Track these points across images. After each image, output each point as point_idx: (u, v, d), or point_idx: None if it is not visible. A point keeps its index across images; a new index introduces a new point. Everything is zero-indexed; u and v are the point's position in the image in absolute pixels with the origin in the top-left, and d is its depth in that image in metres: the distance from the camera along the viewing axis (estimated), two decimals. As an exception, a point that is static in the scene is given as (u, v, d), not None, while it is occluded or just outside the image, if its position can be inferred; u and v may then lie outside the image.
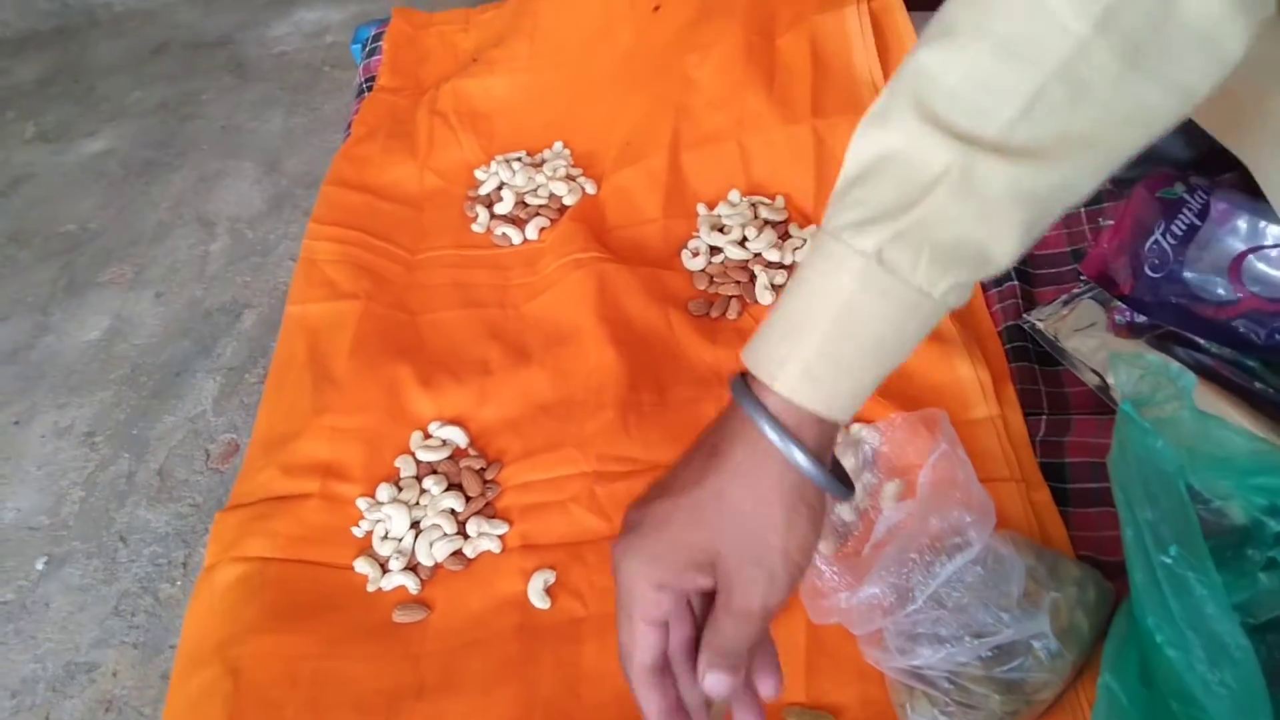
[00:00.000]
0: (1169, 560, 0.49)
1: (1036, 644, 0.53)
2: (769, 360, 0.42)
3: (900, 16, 0.92)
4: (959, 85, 0.40)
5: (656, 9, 1.05)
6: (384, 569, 0.73)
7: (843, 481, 0.43)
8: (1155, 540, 0.50)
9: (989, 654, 0.53)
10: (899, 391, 0.73)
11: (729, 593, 0.42)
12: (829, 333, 0.41)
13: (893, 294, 0.40)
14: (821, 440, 0.42)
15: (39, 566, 1.34)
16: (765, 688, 0.44)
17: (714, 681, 0.42)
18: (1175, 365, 0.54)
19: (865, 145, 0.42)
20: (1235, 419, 0.65)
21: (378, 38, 1.25)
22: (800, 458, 0.41)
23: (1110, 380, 0.70)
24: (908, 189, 0.40)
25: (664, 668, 0.44)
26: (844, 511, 0.66)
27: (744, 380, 0.43)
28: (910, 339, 0.42)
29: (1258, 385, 0.66)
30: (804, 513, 0.42)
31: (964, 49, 0.40)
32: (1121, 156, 0.41)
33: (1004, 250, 0.41)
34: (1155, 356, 0.67)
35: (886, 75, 0.92)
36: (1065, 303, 0.76)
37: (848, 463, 0.70)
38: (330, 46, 2.27)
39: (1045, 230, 0.42)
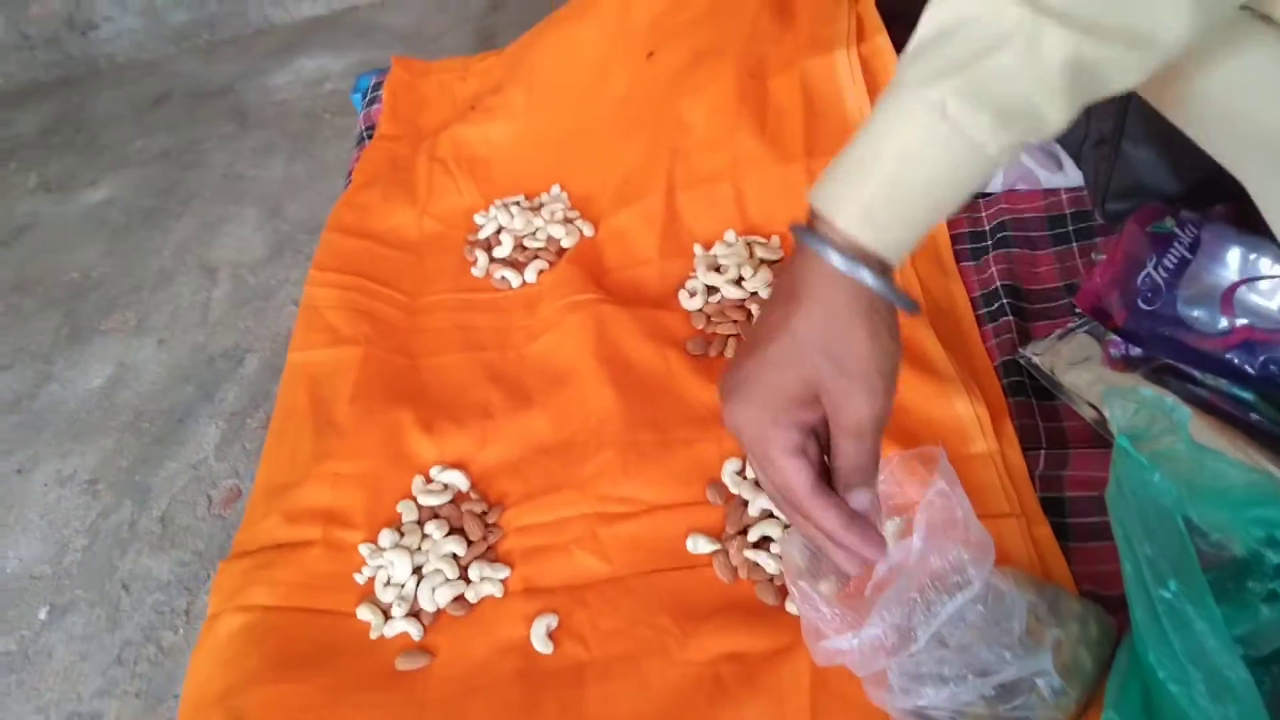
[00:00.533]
0: (1168, 595, 0.49)
1: (1040, 681, 0.53)
2: (833, 199, 0.46)
3: (889, 60, 0.93)
4: None
5: (650, 55, 1.07)
6: (386, 616, 0.73)
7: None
8: (1154, 575, 0.50)
9: (993, 693, 0.53)
10: (897, 428, 0.73)
11: (838, 415, 0.46)
12: (888, 177, 0.44)
13: (952, 144, 0.44)
14: (884, 272, 0.46)
15: (41, 616, 1.33)
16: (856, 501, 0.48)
17: (858, 498, 0.47)
18: (1170, 399, 0.55)
19: (941, 7, 0.45)
20: (1232, 452, 0.65)
21: (378, 86, 1.26)
22: (869, 277, 0.45)
23: (1107, 414, 0.71)
24: (976, 46, 0.43)
25: (825, 487, 0.48)
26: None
27: (807, 224, 0.47)
28: (962, 192, 0.46)
29: (1254, 417, 0.67)
30: (882, 327, 0.46)
31: None
32: (1162, 55, 0.45)
33: (1055, 116, 0.45)
34: (1150, 390, 0.67)
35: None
36: (1060, 337, 0.76)
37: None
38: (330, 94, 2.29)
39: (1088, 103, 0.46)
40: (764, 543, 0.70)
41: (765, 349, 0.47)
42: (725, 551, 0.71)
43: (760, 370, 0.47)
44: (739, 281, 0.88)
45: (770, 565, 0.69)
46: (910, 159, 0.44)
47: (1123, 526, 0.52)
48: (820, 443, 0.49)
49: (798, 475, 0.47)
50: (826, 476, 0.48)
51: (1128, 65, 0.45)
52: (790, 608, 0.67)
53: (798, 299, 0.46)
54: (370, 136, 1.19)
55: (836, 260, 0.45)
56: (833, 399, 0.46)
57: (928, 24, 0.46)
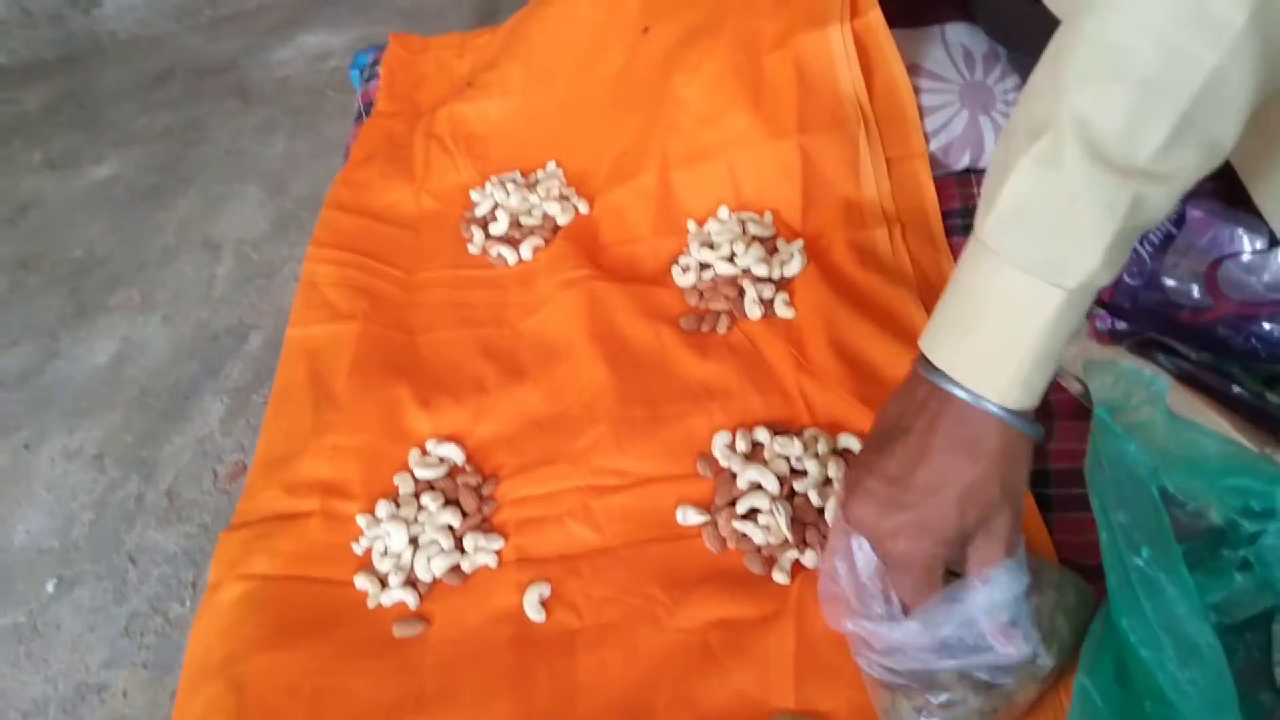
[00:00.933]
0: (1141, 562, 0.50)
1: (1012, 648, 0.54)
2: (985, 377, 0.50)
3: (883, 35, 0.93)
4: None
5: (646, 31, 1.07)
6: (383, 585, 0.74)
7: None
8: (1129, 543, 0.51)
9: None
10: (880, 401, 0.74)
11: (996, 535, 0.51)
12: (1039, 352, 0.49)
13: (1087, 302, 0.49)
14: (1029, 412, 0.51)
15: (49, 588, 1.36)
16: None
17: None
18: (1149, 371, 0.56)
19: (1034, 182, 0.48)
20: (1216, 423, 0.66)
21: (376, 63, 1.27)
22: (1036, 432, 0.51)
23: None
24: (1100, 231, 0.47)
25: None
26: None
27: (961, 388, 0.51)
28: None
29: (1236, 390, 0.67)
30: (1028, 464, 0.52)
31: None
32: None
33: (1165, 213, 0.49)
34: (1129, 362, 0.68)
35: (870, 92, 0.93)
36: (1048, 312, 0.77)
37: (835, 471, 0.72)
38: (332, 70, 2.30)
39: None
40: (752, 514, 0.71)
41: (944, 488, 0.50)
42: (714, 523, 0.72)
43: (942, 509, 0.50)
44: (731, 258, 0.89)
45: (758, 536, 0.70)
46: (1056, 330, 0.49)
47: (1099, 496, 0.53)
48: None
49: (927, 593, 0.52)
50: None
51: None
52: (778, 577, 0.68)
53: (978, 442, 0.50)
54: (368, 113, 1.20)
55: (1011, 420, 0.50)
56: (993, 525, 0.51)
57: (1018, 195, 0.48)
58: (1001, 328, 0.49)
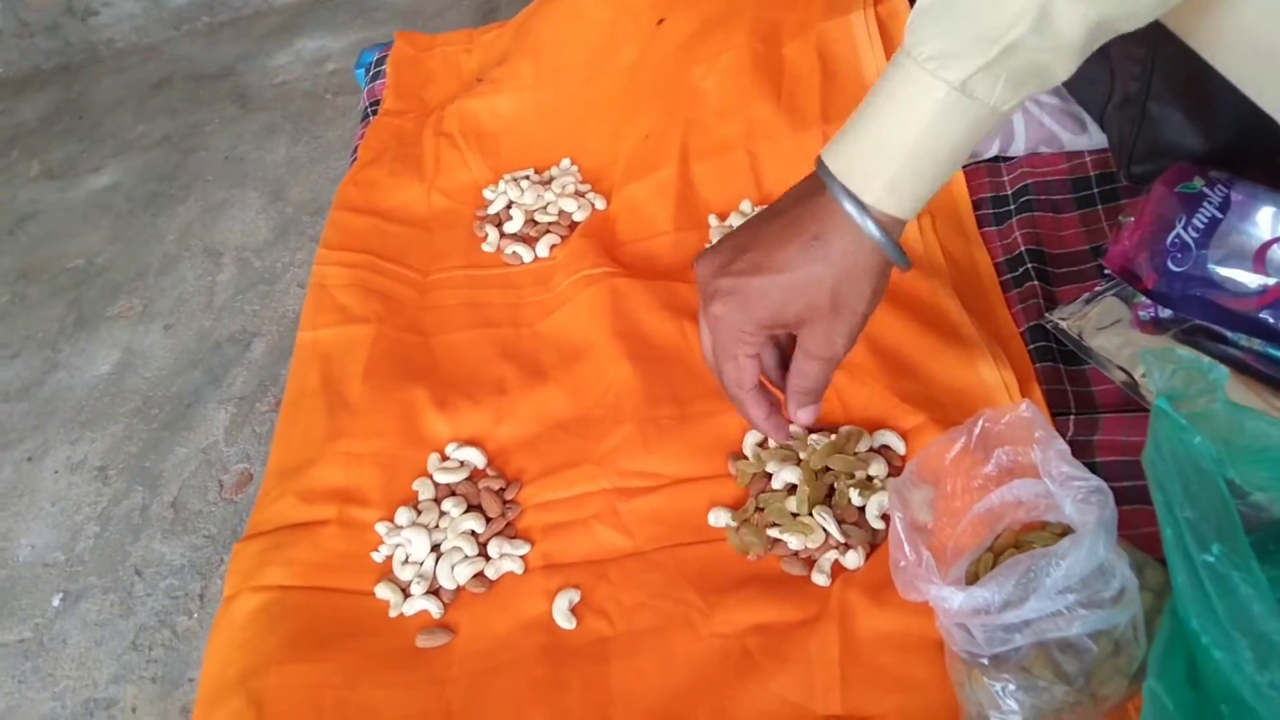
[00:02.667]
0: (1211, 559, 0.48)
1: (1111, 639, 0.52)
2: (857, 172, 0.50)
3: (907, 19, 0.91)
4: None
5: (660, 22, 1.05)
6: (405, 594, 0.72)
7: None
8: (1196, 539, 0.48)
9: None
10: (923, 396, 0.72)
11: (813, 343, 0.54)
12: (911, 151, 0.49)
13: (969, 114, 0.48)
14: (895, 230, 0.52)
15: (55, 603, 1.33)
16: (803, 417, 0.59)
17: (805, 415, 0.58)
18: (1206, 359, 0.53)
19: None
20: (1268, 410, 0.64)
21: (381, 61, 1.25)
22: (892, 250, 0.51)
23: (1139, 376, 0.69)
24: (989, 25, 0.46)
25: (761, 386, 0.59)
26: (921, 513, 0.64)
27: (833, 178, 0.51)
28: (973, 145, 0.51)
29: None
30: (882, 281, 0.53)
31: None
32: None
33: (1067, 69, 0.48)
34: (1186, 351, 0.66)
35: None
36: (1088, 301, 0.75)
37: (876, 469, 0.69)
38: (331, 74, 2.28)
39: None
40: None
41: (776, 275, 0.52)
42: (748, 523, 0.69)
43: (764, 288, 0.52)
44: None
45: (793, 541, 0.67)
46: (932, 134, 0.49)
47: (1162, 490, 0.51)
48: (782, 350, 0.60)
49: (748, 374, 0.57)
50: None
51: (1142, 11, 0.47)
52: (818, 579, 0.65)
53: (820, 240, 0.51)
54: (375, 112, 1.17)
55: (872, 229, 0.50)
56: (814, 329, 0.53)
57: None
58: (882, 123, 0.50)
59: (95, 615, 1.31)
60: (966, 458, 0.58)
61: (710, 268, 0.55)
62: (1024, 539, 0.57)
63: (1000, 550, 0.57)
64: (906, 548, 0.52)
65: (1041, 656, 0.51)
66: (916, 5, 0.49)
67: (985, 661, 0.52)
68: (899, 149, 0.49)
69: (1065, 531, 0.56)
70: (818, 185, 0.52)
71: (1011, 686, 0.52)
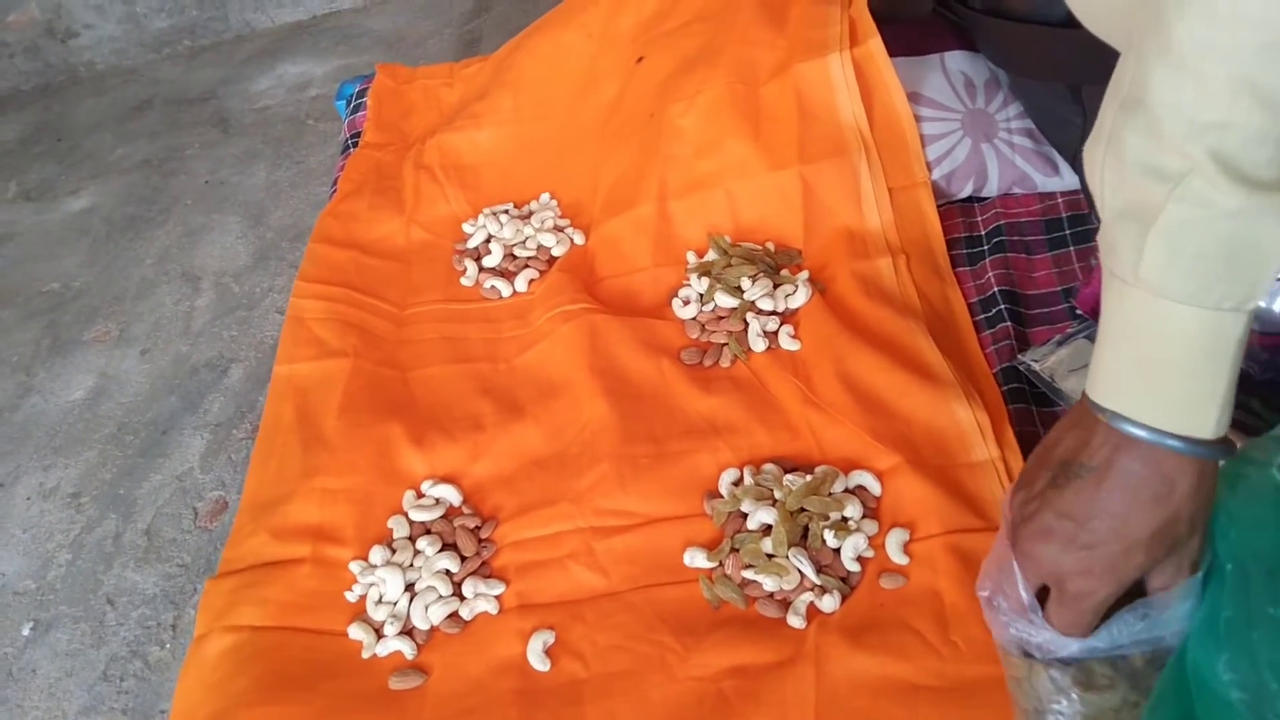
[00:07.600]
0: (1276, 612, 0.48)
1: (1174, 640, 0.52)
2: (1189, 418, 0.48)
3: (883, 63, 0.92)
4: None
5: (640, 60, 1.06)
6: (379, 634, 0.71)
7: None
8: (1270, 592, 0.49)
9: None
10: (898, 436, 0.72)
11: (1167, 572, 0.50)
12: (1233, 377, 0.48)
13: (1239, 323, 0.47)
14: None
15: (25, 632, 1.31)
16: None
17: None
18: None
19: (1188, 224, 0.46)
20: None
21: (362, 94, 1.25)
22: (1222, 453, 0.49)
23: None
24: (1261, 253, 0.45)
25: None
26: None
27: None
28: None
29: (1261, 426, 0.66)
30: (1216, 482, 0.51)
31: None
32: None
33: None
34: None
35: (871, 121, 0.92)
36: (1059, 343, 0.76)
37: (851, 510, 0.70)
38: (313, 100, 2.27)
39: None
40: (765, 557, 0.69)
41: (1135, 533, 0.49)
42: (723, 566, 0.69)
43: (1129, 551, 0.49)
44: (738, 289, 0.87)
45: (768, 582, 0.67)
46: (1240, 354, 0.48)
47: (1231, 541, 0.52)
48: None
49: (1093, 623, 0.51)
50: None
51: None
52: (793, 621, 0.65)
53: (1171, 494, 0.49)
54: (355, 144, 1.17)
55: (1204, 453, 0.48)
56: (1168, 561, 0.50)
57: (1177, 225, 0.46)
58: (1194, 367, 0.48)
59: (66, 645, 1.29)
60: None
61: (1053, 550, 0.51)
62: None
63: None
64: (1024, 592, 0.52)
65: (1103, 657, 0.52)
66: (1151, 252, 0.47)
67: (1048, 659, 0.52)
68: (1224, 384, 0.48)
69: None
70: (1114, 434, 0.49)
71: (1073, 685, 0.52)
